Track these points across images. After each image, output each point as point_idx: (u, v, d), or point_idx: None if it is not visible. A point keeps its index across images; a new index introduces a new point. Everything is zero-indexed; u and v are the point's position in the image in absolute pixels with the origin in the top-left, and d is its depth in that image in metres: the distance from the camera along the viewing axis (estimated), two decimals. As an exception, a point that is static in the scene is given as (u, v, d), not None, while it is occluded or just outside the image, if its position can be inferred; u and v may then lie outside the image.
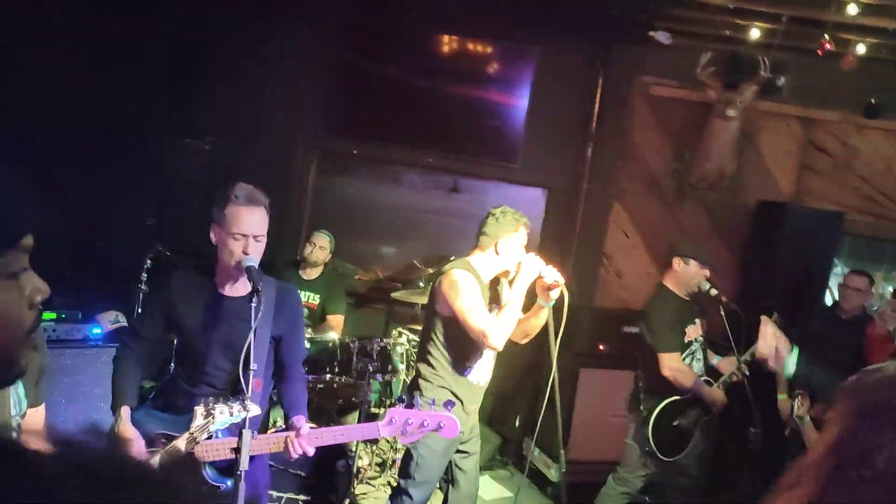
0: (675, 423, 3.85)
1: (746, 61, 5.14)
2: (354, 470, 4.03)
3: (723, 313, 3.77)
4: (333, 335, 4.52)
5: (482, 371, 3.33)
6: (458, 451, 3.42)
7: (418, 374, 3.35)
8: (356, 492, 4.03)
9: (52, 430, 0.62)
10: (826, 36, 4.51)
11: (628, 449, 3.97)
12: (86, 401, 3.67)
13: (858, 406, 1.01)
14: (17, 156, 4.24)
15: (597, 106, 5.53)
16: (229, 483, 2.30)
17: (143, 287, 4.20)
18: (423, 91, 5.44)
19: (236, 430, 2.24)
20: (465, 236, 5.98)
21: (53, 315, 3.79)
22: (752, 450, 3.53)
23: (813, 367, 4.41)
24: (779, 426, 4.00)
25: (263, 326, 2.45)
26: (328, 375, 4.33)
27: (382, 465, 4.69)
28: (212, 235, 2.47)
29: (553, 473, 4.83)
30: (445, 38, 5.46)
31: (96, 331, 3.93)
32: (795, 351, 2.62)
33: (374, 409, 4.53)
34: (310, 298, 4.83)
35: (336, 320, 4.86)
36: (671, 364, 3.80)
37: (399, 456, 4.62)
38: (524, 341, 3.37)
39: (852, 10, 4.37)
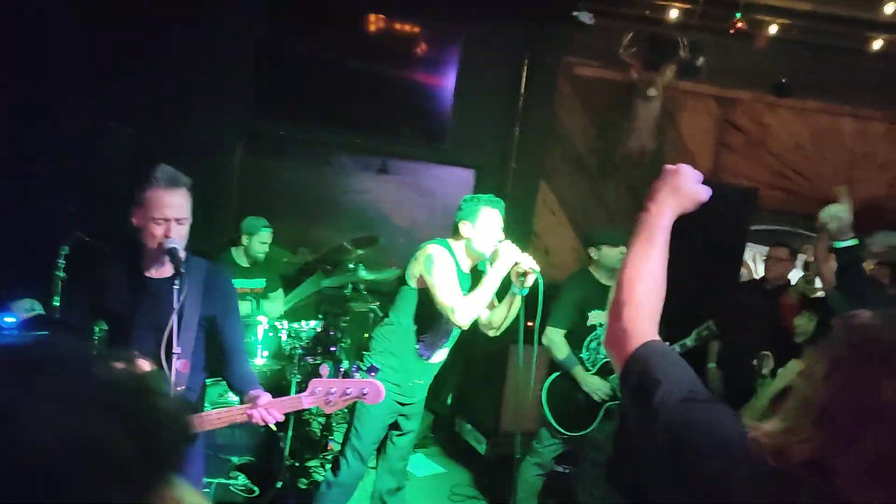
0: (569, 399, 3.92)
1: (666, 42, 5.29)
2: (287, 452, 4.03)
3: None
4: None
5: (439, 349, 3.40)
6: (396, 427, 3.50)
7: (371, 339, 3.44)
8: (289, 473, 4.02)
9: None
10: (738, 16, 4.69)
11: (539, 422, 4.07)
12: None
13: (852, 348, 1.04)
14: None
15: (523, 86, 5.60)
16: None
17: (60, 274, 4.07)
18: (350, 72, 5.39)
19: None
20: (394, 217, 6.03)
21: (-36, 304, 3.63)
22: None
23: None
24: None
25: (191, 308, 2.42)
26: (258, 359, 4.32)
27: (315, 446, 4.69)
28: (133, 219, 2.42)
29: (483, 448, 4.93)
30: (372, 17, 5.41)
31: (10, 319, 3.77)
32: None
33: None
34: (256, 284, 4.90)
35: (278, 298, 5.00)
36: (549, 335, 3.88)
37: (334, 438, 4.65)
38: (492, 333, 3.42)
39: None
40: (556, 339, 3.91)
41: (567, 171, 5.85)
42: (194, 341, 2.48)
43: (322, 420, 4.88)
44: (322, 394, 2.42)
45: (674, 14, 5.08)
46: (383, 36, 5.44)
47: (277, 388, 4.35)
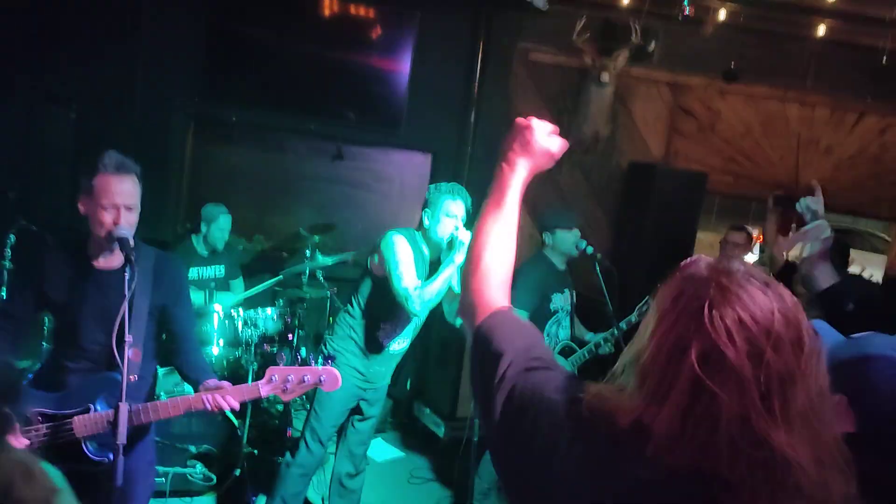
0: None
1: (619, 28, 5.35)
2: (245, 440, 4.00)
3: (598, 271, 3.94)
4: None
5: (398, 338, 3.43)
6: (358, 412, 3.53)
7: (334, 324, 3.47)
8: (246, 463, 4.00)
9: None
10: (686, 3, 4.76)
11: None
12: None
13: (673, 301, 0.97)
14: None
15: (478, 71, 5.60)
16: (112, 457, 2.24)
17: (6, 264, 3.97)
18: (303, 56, 5.32)
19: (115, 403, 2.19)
20: (351, 203, 5.98)
21: None
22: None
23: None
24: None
25: (141, 297, 2.40)
26: (214, 348, 4.27)
27: (273, 433, 4.67)
28: (80, 207, 2.37)
29: (441, 431, 4.97)
30: (326, 1, 5.34)
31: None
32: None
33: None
34: (217, 272, 4.89)
35: (238, 287, 5.02)
36: None
37: (293, 427, 4.62)
38: (459, 322, 3.44)
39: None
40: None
41: (522, 155, 5.88)
42: (145, 330, 2.46)
43: (280, 408, 4.85)
44: (279, 381, 2.42)
45: (626, 0, 5.13)
46: (337, 20, 5.38)
47: (235, 376, 4.31)
